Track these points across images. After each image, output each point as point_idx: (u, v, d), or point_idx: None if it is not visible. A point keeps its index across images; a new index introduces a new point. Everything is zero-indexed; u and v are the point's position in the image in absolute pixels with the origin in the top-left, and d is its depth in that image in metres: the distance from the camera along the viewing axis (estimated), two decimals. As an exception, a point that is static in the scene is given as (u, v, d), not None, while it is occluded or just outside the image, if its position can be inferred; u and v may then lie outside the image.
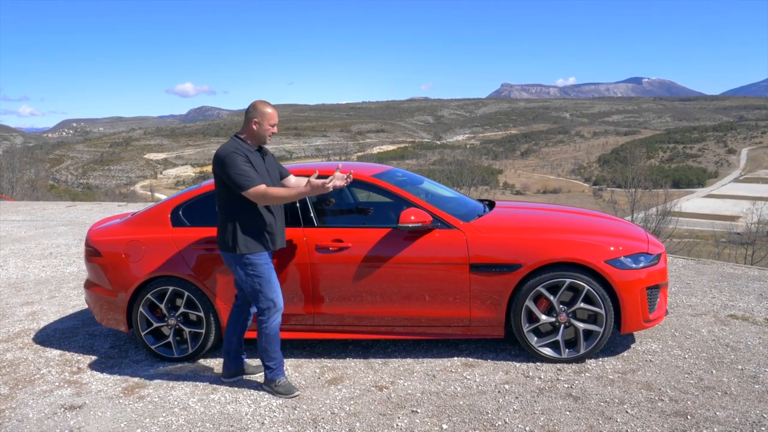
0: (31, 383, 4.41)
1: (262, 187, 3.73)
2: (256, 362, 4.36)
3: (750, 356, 4.34)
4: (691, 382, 3.95)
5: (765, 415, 3.48)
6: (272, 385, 4.03)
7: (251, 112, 3.87)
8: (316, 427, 3.57)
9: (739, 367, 4.16)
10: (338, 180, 3.76)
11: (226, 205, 3.85)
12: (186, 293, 4.54)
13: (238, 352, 4.23)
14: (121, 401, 4.03)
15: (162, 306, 4.59)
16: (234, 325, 4.17)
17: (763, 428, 3.34)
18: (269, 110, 3.87)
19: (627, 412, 3.58)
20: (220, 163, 3.78)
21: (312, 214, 4.51)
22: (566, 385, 3.95)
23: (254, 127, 3.86)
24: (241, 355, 4.27)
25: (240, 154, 3.78)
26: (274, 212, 3.94)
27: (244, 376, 4.29)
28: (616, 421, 3.47)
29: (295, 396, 3.97)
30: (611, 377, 4.05)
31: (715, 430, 3.34)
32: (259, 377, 4.22)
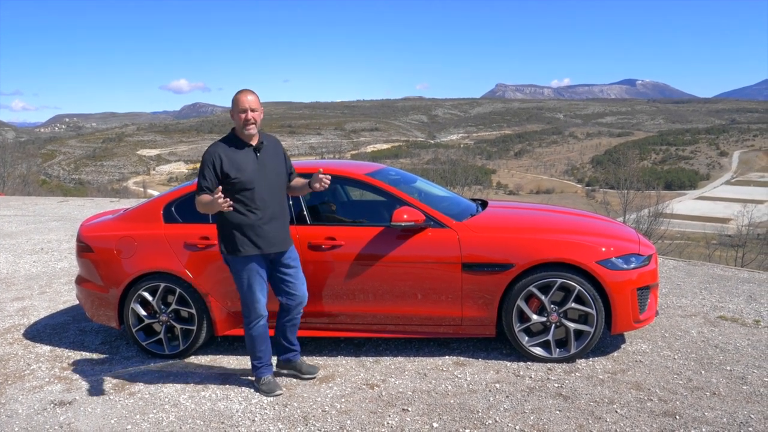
0: (20, 379, 4.39)
1: (201, 196, 3.66)
2: (309, 364, 4.26)
3: (738, 357, 4.37)
4: (680, 382, 3.98)
5: (752, 416, 3.51)
6: (257, 382, 4.03)
7: (232, 107, 3.76)
8: (306, 425, 3.57)
9: (728, 368, 4.19)
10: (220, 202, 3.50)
11: None
12: (178, 290, 4.53)
13: (287, 349, 4.15)
14: (111, 397, 4.02)
15: (153, 302, 4.58)
16: (276, 323, 4.11)
17: (750, 429, 3.37)
18: (238, 96, 3.70)
19: (616, 411, 3.60)
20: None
21: (305, 212, 4.51)
22: (556, 385, 3.97)
23: (233, 116, 3.76)
24: (290, 352, 4.17)
25: (214, 155, 3.69)
26: (257, 211, 3.76)
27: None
28: (606, 421, 3.49)
29: (278, 395, 3.95)
30: (601, 377, 4.07)
31: (704, 430, 3.37)
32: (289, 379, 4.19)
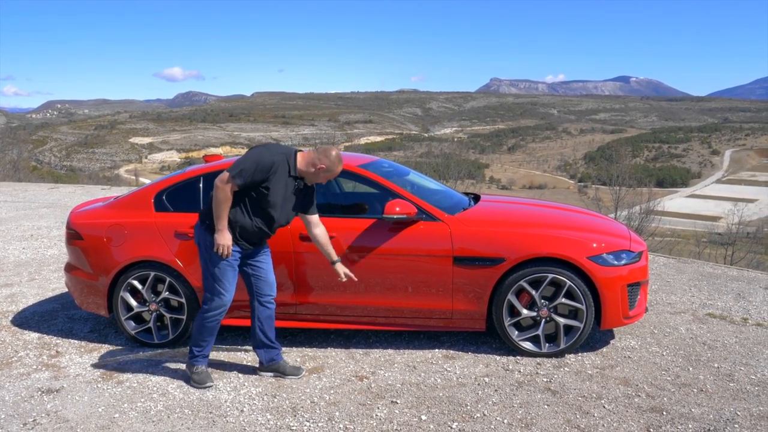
0: (8, 366, 4.36)
1: (228, 185, 3.55)
2: (293, 365, 4.15)
3: (726, 355, 4.40)
4: (668, 378, 4.00)
5: (739, 413, 3.53)
6: (190, 370, 3.99)
7: (325, 158, 3.71)
8: (295, 416, 3.57)
9: (716, 365, 4.22)
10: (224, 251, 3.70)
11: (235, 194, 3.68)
12: (168, 279, 4.51)
13: (267, 346, 4.06)
14: (99, 386, 4.01)
15: (143, 291, 4.56)
16: (252, 318, 4.04)
17: (736, 425, 3.40)
18: (338, 164, 3.76)
19: (604, 407, 3.62)
20: (249, 149, 3.74)
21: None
22: (545, 379, 3.99)
23: (318, 168, 3.72)
24: (272, 350, 4.08)
25: (276, 162, 3.62)
26: (263, 226, 3.78)
27: (262, 373, 4.11)
28: (593, 416, 3.51)
29: (208, 387, 3.90)
30: (590, 372, 4.09)
31: (690, 426, 3.39)
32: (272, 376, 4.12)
